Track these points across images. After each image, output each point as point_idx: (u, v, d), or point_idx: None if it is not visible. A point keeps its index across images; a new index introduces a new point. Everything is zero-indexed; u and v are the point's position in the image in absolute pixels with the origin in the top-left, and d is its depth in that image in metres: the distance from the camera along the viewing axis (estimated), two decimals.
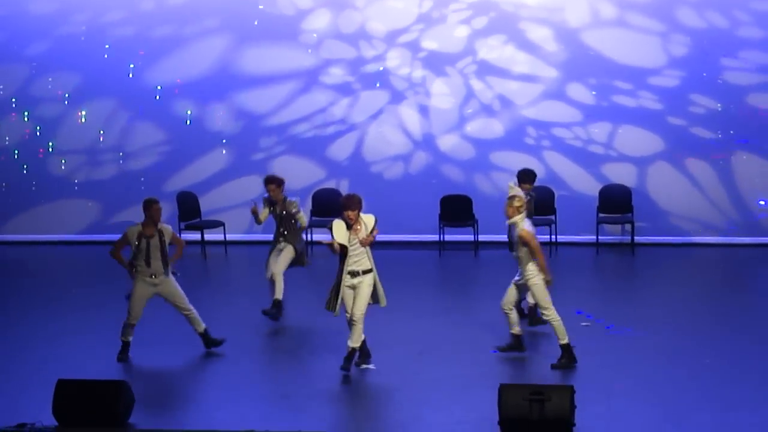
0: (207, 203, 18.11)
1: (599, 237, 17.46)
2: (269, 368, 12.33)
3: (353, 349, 11.61)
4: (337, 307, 11.59)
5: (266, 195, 13.77)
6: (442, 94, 17.98)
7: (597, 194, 17.52)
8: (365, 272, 11.55)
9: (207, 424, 10.30)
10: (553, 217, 17.24)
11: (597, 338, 12.72)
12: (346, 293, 11.57)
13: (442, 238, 17.53)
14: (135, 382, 10.44)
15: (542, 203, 17.32)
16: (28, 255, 18.07)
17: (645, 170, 17.75)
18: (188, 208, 17.75)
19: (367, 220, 11.56)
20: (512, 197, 11.74)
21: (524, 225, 11.68)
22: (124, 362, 12.11)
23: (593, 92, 17.70)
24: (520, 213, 11.69)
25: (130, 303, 12.19)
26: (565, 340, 11.69)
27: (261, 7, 18.03)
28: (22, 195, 18.66)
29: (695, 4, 17.41)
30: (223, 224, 17.71)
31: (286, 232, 13.53)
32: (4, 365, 12.08)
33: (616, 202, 17.47)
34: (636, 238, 17.44)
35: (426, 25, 17.90)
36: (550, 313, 11.73)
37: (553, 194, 17.46)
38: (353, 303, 11.56)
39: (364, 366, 11.75)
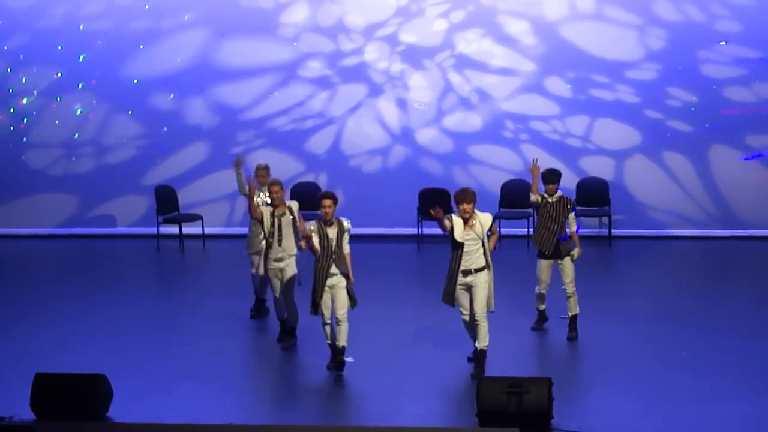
0: (185, 197, 18.08)
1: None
2: (248, 362, 12.33)
3: (482, 351, 11.37)
4: (455, 301, 11.42)
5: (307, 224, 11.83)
6: (421, 87, 18.00)
7: (575, 187, 17.56)
8: (478, 270, 11.29)
9: (186, 417, 10.30)
10: (530, 210, 17.25)
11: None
12: (459, 293, 11.34)
13: (420, 232, 17.56)
14: (113, 375, 10.42)
15: (519, 197, 17.41)
16: (5, 248, 18.01)
17: (622, 163, 17.81)
18: (166, 201, 17.73)
19: (484, 218, 11.31)
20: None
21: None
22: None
23: (570, 86, 17.74)
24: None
25: (272, 284, 12.20)
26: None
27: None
28: None
29: None
30: (201, 218, 17.70)
31: (336, 258, 11.47)
32: None
33: (593, 194, 17.52)
34: (613, 230, 17.51)
35: (404, 19, 17.91)
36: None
37: (530, 188, 17.44)
38: (473, 302, 11.31)
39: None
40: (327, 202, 11.35)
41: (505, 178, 17.61)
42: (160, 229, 17.68)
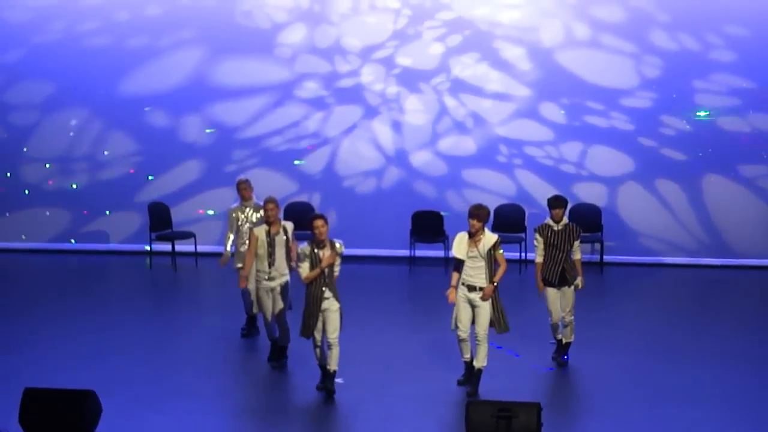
0: (178, 214, 18.09)
1: None
2: (238, 381, 12.33)
3: (479, 369, 11.50)
4: (453, 320, 11.56)
5: (303, 243, 11.48)
6: (416, 110, 18.05)
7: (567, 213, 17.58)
8: (483, 289, 11.43)
9: None
10: (523, 235, 17.31)
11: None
12: (461, 307, 11.49)
13: (412, 254, 17.58)
14: (103, 392, 10.41)
15: (513, 221, 17.44)
16: None
17: (615, 190, 17.86)
18: (159, 218, 17.73)
19: (488, 238, 11.41)
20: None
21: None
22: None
23: (564, 112, 17.80)
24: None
25: (261, 305, 12.26)
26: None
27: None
28: None
29: (668, 26, 17.55)
30: (193, 235, 17.71)
31: (328, 281, 11.30)
32: None
33: (586, 221, 17.51)
34: (605, 257, 17.54)
35: (401, 42, 17.98)
36: None
37: (523, 212, 17.55)
38: (476, 322, 11.44)
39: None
40: (319, 222, 11.19)
41: (498, 202, 17.64)
42: (152, 246, 17.69)
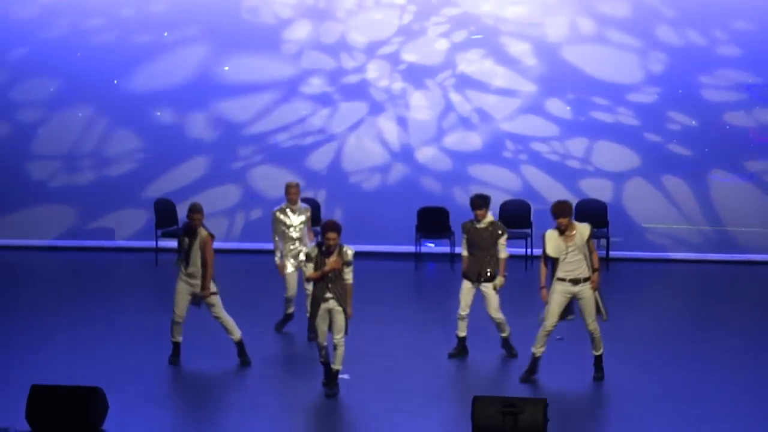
0: (184, 211, 18.00)
1: None
2: (246, 378, 12.33)
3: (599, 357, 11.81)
4: (545, 314, 11.61)
5: (311, 244, 12.12)
6: (421, 106, 18.05)
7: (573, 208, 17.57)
8: (586, 280, 11.54)
9: (180, 431, 10.30)
10: (529, 231, 17.30)
11: (569, 353, 12.75)
12: (560, 302, 11.55)
13: (418, 250, 17.58)
14: (109, 388, 10.43)
15: (519, 217, 17.43)
16: (4, 259, 18.02)
17: (621, 185, 17.85)
18: (165, 215, 17.74)
19: (582, 228, 11.55)
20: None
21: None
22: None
23: (570, 107, 17.79)
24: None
25: (174, 299, 12.25)
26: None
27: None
28: None
29: (674, 21, 17.54)
30: None
31: (332, 286, 11.24)
32: None
33: (591, 216, 17.47)
34: (611, 252, 17.53)
35: (406, 38, 17.97)
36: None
37: (529, 208, 17.54)
38: (584, 313, 11.58)
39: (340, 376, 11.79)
40: (331, 235, 11.08)
41: (504, 198, 17.63)
42: (159, 242, 17.70)
